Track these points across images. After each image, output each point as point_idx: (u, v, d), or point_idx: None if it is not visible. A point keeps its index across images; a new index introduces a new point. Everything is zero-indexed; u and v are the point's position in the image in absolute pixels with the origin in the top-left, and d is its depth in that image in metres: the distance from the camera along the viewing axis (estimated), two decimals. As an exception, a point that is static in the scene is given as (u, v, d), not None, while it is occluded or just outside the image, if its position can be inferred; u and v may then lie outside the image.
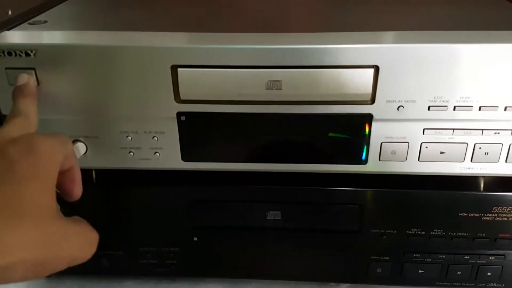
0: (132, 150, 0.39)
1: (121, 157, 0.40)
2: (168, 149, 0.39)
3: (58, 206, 0.28)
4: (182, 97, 0.36)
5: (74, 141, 0.39)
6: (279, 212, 0.42)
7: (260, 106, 0.36)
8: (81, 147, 0.39)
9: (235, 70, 0.35)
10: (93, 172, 0.43)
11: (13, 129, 0.29)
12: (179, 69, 0.35)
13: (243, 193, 0.41)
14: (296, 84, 0.35)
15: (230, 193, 0.41)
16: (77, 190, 0.33)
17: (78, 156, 0.39)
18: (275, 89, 0.35)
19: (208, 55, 0.35)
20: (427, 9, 0.44)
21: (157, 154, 0.39)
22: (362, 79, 0.35)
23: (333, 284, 0.47)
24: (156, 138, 0.39)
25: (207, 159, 0.39)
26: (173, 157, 0.39)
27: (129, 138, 0.39)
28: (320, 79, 0.35)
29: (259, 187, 0.41)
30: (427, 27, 0.36)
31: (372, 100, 0.36)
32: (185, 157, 0.39)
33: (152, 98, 0.37)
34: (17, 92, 0.33)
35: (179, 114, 0.37)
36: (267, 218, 0.42)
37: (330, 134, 0.37)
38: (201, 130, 0.38)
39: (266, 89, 0.35)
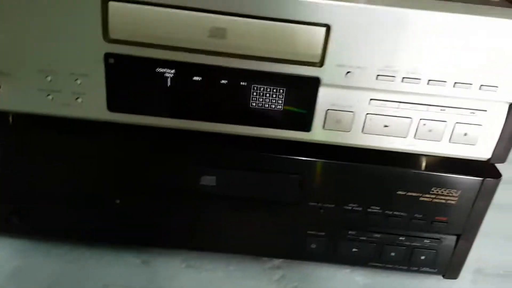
0: (51, 94, 0.35)
1: (39, 101, 0.35)
2: (92, 96, 0.35)
3: None
4: (112, 35, 0.32)
5: (-19, 76, 0.34)
6: (214, 178, 0.39)
7: (201, 56, 0.33)
8: (-10, 84, 0.34)
9: (175, 10, 0.31)
10: (10, 116, 0.38)
11: None
12: (110, 2, 0.31)
13: (175, 152, 0.38)
14: (242, 35, 0.32)
15: (160, 151, 0.38)
16: None
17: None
18: (219, 37, 0.32)
19: (145, -11, 0.31)
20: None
21: (79, 100, 0.35)
22: (313, 38, 0.32)
23: (266, 259, 0.45)
24: (79, 82, 0.34)
25: (136, 111, 0.35)
26: (98, 105, 0.35)
27: (48, 78, 0.34)
28: (268, 32, 0.32)
29: (193, 147, 0.38)
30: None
31: (321, 63, 0.33)
32: (111, 107, 0.35)
33: (77, 33, 0.32)
34: None
35: (107, 56, 0.33)
36: (201, 183, 0.39)
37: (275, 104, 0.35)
38: (131, 76, 0.34)
39: (209, 36, 0.32)
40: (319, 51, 0.33)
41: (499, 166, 0.67)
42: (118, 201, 0.39)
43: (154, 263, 0.43)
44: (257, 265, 0.44)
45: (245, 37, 0.32)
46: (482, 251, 0.49)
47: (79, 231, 0.41)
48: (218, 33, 0.32)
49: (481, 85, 0.34)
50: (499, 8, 0.34)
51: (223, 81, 0.34)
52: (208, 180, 0.38)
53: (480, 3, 0.34)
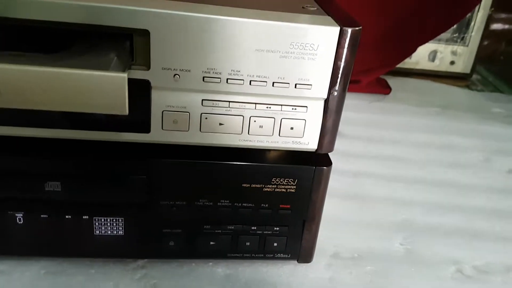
0: None
1: None
2: None
3: None
4: None
5: None
6: (58, 183, 0.39)
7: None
8: None
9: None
10: None
11: None
12: None
13: (14, 161, 0.38)
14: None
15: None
16: None
17: None
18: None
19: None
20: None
21: None
22: (134, 43, 0.35)
23: (130, 260, 0.46)
24: None
25: (-34, 120, 0.35)
26: None
27: None
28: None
29: (35, 153, 0.38)
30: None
31: (148, 66, 0.36)
32: None
33: None
34: None
35: None
36: (46, 189, 0.39)
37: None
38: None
39: (28, 44, 0.33)
40: (143, 55, 0.35)
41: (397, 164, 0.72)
42: (-38, 213, 0.39)
43: (12, 273, 0.42)
44: (121, 267, 0.45)
45: (67, 44, 0.34)
46: (340, 237, 0.54)
47: None
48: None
49: (297, 84, 0.38)
50: (311, 15, 0.38)
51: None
52: (53, 186, 0.39)
53: (299, 12, 0.38)
